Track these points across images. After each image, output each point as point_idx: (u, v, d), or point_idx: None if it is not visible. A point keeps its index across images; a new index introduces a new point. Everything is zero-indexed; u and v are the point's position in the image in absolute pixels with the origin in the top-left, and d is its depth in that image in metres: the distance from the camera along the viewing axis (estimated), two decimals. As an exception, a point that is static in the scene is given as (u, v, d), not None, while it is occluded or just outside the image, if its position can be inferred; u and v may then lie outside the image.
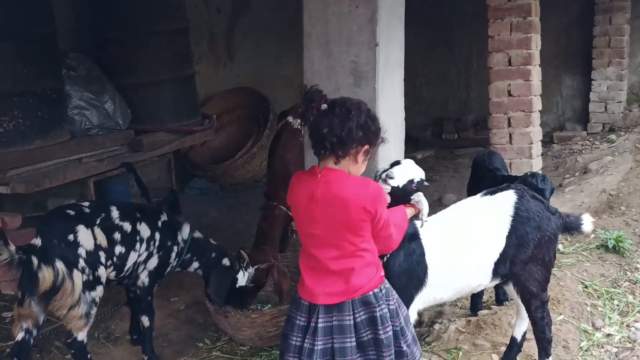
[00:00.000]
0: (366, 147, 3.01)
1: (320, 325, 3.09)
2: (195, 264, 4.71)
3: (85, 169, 6.13)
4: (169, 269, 4.62)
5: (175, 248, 4.57)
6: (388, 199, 3.29)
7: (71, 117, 6.34)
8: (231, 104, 9.07)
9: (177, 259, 4.60)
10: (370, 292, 3.06)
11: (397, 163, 3.51)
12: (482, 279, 3.71)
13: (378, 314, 3.05)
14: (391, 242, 3.18)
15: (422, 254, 3.47)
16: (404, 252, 3.41)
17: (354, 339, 3.06)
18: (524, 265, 3.67)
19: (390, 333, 3.06)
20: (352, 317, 3.06)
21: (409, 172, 3.44)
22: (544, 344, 3.87)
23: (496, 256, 3.63)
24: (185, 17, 7.61)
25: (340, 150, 2.98)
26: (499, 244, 3.63)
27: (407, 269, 3.43)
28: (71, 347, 4.14)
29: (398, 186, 3.36)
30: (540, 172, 4.62)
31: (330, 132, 2.96)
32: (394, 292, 3.20)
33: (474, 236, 3.62)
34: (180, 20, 7.47)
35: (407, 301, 3.42)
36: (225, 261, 4.75)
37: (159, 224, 4.49)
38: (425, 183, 3.49)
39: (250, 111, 9.00)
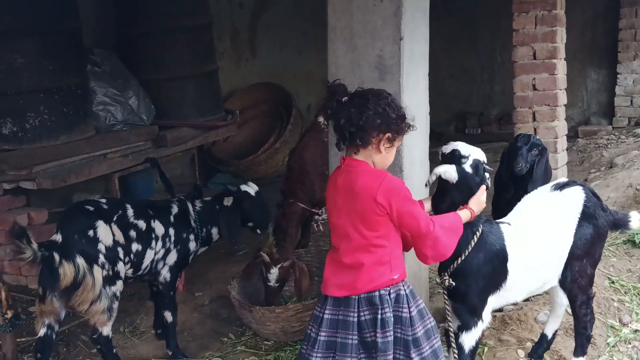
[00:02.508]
0: (388, 135, 3.00)
1: (326, 316, 3.12)
2: (215, 231, 4.68)
3: (110, 165, 6.18)
4: (192, 257, 4.63)
5: (192, 237, 4.56)
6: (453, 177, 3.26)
7: (96, 113, 6.38)
8: (254, 99, 9.07)
9: (197, 243, 4.60)
10: (376, 292, 3.04)
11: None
12: (554, 279, 3.74)
13: (379, 317, 3.03)
14: (440, 246, 3.09)
15: (505, 260, 3.45)
16: (485, 258, 3.38)
17: (356, 337, 3.06)
18: (580, 260, 3.70)
19: (390, 339, 3.03)
20: (356, 315, 3.06)
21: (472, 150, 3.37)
22: (582, 340, 3.88)
23: (566, 255, 3.66)
24: (208, 12, 7.63)
25: (359, 139, 2.99)
26: (569, 243, 3.66)
27: (486, 273, 3.40)
28: (97, 343, 4.16)
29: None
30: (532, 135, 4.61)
31: (347, 121, 2.99)
32: (418, 300, 3.16)
33: (550, 237, 3.62)
34: (203, 16, 7.50)
35: (480, 305, 3.42)
36: (227, 201, 4.69)
37: (172, 219, 4.48)
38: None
39: (273, 106, 9.01)
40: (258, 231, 4.87)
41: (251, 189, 4.75)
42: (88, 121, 6.24)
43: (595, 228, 3.69)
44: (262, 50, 9.43)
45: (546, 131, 6.17)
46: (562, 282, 3.74)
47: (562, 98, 6.25)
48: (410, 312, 3.07)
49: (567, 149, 6.51)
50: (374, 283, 3.03)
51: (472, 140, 9.47)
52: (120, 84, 6.64)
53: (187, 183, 7.86)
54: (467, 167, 3.31)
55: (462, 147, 3.38)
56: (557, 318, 4.01)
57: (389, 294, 3.05)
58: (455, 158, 3.34)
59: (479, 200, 3.31)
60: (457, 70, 10.58)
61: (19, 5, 5.60)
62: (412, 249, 3.21)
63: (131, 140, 6.56)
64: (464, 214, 3.25)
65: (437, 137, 9.85)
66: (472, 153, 3.35)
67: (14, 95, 5.74)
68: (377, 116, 2.96)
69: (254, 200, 4.73)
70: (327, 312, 3.12)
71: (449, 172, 3.29)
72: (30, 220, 5.69)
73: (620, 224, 3.87)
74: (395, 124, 3.00)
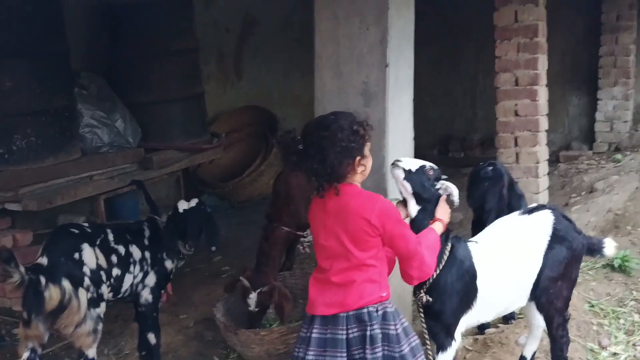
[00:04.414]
0: (357, 159, 3.06)
1: (314, 335, 3.15)
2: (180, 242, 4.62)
3: (96, 186, 6.19)
4: (173, 272, 4.66)
5: (165, 256, 4.58)
6: (408, 188, 3.34)
7: (82, 135, 6.41)
8: (239, 122, 9.12)
9: (172, 260, 4.62)
10: (365, 309, 3.09)
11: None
12: (521, 300, 3.81)
13: (368, 333, 3.08)
14: (425, 266, 3.17)
15: (474, 277, 3.52)
16: (457, 274, 3.46)
17: (344, 355, 3.10)
18: (555, 282, 3.75)
19: (379, 355, 3.08)
20: (345, 333, 3.10)
21: (417, 161, 3.46)
22: None
23: (535, 277, 3.72)
24: (194, 36, 7.69)
25: (336, 180, 3.06)
26: (538, 264, 3.71)
27: (459, 290, 3.47)
28: (83, 366, 4.16)
29: (410, 170, 3.37)
30: (497, 163, 4.64)
31: (317, 176, 3.06)
32: (402, 318, 3.22)
33: (517, 258, 3.69)
34: (190, 40, 7.56)
35: (454, 324, 3.48)
36: (181, 205, 4.61)
37: (145, 241, 4.52)
38: (444, 175, 3.51)
39: (258, 129, 9.05)
40: (213, 248, 4.77)
41: (181, 205, 4.63)
42: (74, 143, 6.27)
43: (569, 250, 3.75)
44: (248, 73, 9.49)
45: (528, 156, 6.26)
46: (538, 304, 3.80)
47: (544, 124, 6.34)
48: (396, 330, 3.13)
49: (548, 174, 6.59)
50: (363, 300, 3.08)
51: (455, 164, 9.57)
52: (107, 107, 6.67)
53: (172, 205, 7.87)
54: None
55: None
56: (535, 340, 4.08)
57: (377, 311, 3.10)
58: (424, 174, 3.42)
59: (445, 209, 3.42)
60: (440, 95, 10.65)
61: (7, 28, 5.64)
62: (395, 270, 3.28)
63: (117, 162, 6.59)
64: (438, 228, 3.35)
65: (421, 161, 9.94)
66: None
67: (1, 117, 5.75)
68: (341, 155, 3.00)
69: (180, 217, 4.57)
70: (314, 331, 3.15)
71: (454, 190, 3.42)
72: (15, 242, 5.70)
73: (594, 249, 3.95)
74: (357, 146, 3.05)
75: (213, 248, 4.75)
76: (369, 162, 3.14)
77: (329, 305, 3.13)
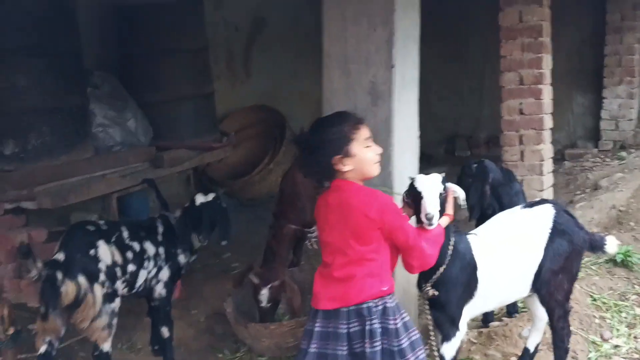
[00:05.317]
0: (339, 156, 3.15)
1: (317, 329, 3.25)
2: (194, 236, 4.75)
3: (108, 185, 6.27)
4: (184, 268, 4.78)
5: (179, 250, 4.71)
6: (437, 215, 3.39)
7: (95, 134, 6.48)
8: (248, 120, 9.19)
9: (185, 255, 4.74)
10: (364, 304, 3.18)
11: (412, 181, 3.52)
12: (523, 291, 3.91)
13: (368, 328, 3.17)
14: (425, 256, 3.27)
15: (475, 268, 3.63)
16: (460, 265, 3.56)
17: (346, 349, 3.19)
18: (556, 275, 3.84)
19: (378, 349, 3.16)
20: (347, 327, 3.19)
21: (432, 189, 3.42)
22: (561, 352, 4.03)
23: (536, 268, 3.82)
24: (205, 35, 7.79)
25: (325, 179, 3.23)
26: (539, 257, 3.81)
27: (462, 282, 3.58)
28: (99, 359, 4.25)
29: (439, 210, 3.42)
30: (485, 161, 4.68)
31: (309, 175, 3.28)
32: (403, 312, 3.30)
33: (518, 250, 3.79)
34: (200, 39, 7.65)
35: (459, 313, 3.59)
36: (198, 198, 4.74)
37: (159, 237, 4.64)
38: (443, 173, 3.55)
39: (267, 128, 9.13)
40: (223, 243, 4.85)
41: (199, 198, 4.76)
42: (87, 142, 6.36)
43: (570, 244, 3.84)
44: (256, 72, 9.57)
45: (532, 154, 6.33)
46: (539, 296, 3.90)
47: (548, 122, 6.42)
48: (396, 324, 3.22)
49: (553, 171, 6.67)
50: (364, 294, 3.18)
51: (461, 163, 9.60)
52: (119, 106, 6.75)
53: (182, 203, 7.96)
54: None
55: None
56: (538, 332, 4.18)
57: (377, 306, 3.20)
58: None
59: (452, 205, 3.51)
60: (447, 93, 10.72)
61: (22, 28, 5.74)
62: (399, 264, 3.39)
63: (129, 161, 6.66)
64: (444, 221, 3.44)
65: (428, 159, 10.00)
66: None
67: (17, 115, 5.82)
68: (323, 155, 3.14)
69: (197, 210, 4.72)
70: (317, 325, 3.25)
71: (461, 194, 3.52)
72: (30, 239, 5.73)
73: (596, 245, 4.03)
74: (339, 145, 3.14)
75: (223, 242, 4.84)
76: (356, 162, 3.17)
77: (331, 299, 3.23)
